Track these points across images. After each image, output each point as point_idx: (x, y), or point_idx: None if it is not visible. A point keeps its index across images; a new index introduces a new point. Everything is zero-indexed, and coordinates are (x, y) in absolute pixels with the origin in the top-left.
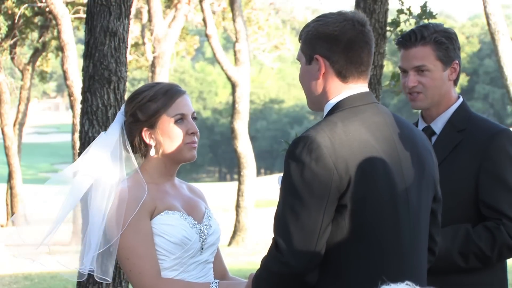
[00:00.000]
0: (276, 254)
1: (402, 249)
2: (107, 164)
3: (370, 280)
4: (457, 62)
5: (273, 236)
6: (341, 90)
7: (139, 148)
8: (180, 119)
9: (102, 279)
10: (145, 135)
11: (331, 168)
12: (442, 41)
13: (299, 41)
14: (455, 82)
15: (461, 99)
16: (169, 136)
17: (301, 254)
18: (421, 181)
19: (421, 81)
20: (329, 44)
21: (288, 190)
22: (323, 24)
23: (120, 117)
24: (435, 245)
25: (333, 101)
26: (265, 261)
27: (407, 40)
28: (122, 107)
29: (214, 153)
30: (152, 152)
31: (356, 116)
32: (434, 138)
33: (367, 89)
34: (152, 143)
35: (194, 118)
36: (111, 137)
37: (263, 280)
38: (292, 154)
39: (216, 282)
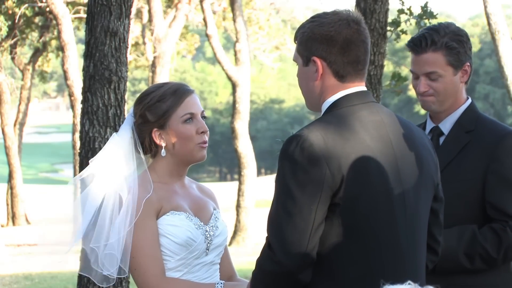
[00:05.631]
0: (269, 254)
1: (399, 249)
2: (121, 166)
3: (364, 279)
4: (469, 64)
5: (266, 235)
6: (338, 90)
7: (149, 149)
8: (189, 119)
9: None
10: (155, 135)
11: (323, 166)
12: (453, 46)
13: (295, 42)
14: (466, 82)
15: (470, 100)
16: (179, 136)
17: (294, 253)
18: (419, 181)
19: (432, 86)
20: (325, 45)
21: (280, 189)
22: (318, 25)
23: (129, 118)
24: (437, 245)
25: (330, 100)
26: (259, 261)
27: (417, 46)
28: (131, 109)
29: (214, 153)
30: (163, 153)
31: (352, 115)
32: (442, 139)
33: (365, 88)
34: (163, 143)
35: (204, 117)
36: (124, 137)
37: (258, 280)
38: (285, 153)
39: (221, 283)
